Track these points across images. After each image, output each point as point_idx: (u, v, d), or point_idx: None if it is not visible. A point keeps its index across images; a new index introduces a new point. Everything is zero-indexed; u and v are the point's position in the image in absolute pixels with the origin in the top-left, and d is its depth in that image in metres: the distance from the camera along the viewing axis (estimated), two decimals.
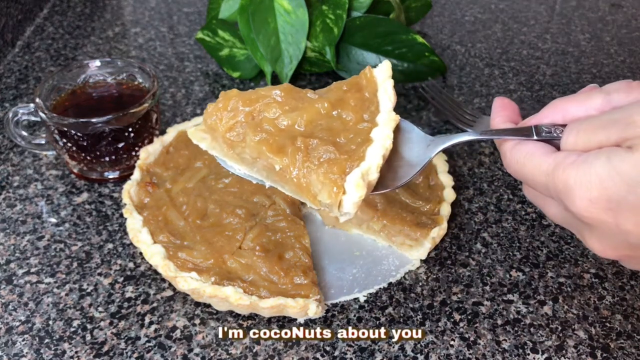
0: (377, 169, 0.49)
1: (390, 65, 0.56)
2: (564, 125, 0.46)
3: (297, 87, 0.57)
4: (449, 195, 0.70)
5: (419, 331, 0.59)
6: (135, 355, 0.57)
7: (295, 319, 0.60)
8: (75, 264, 0.67)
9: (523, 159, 0.45)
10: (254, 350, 0.58)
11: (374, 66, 0.56)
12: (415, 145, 0.53)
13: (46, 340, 0.59)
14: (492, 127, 0.51)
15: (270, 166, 0.52)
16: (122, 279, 0.65)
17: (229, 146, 0.54)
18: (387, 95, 0.54)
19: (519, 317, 0.61)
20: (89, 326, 0.60)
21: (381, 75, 0.55)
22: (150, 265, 0.66)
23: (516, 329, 0.60)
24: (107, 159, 0.76)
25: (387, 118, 0.52)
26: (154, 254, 0.61)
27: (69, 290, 0.64)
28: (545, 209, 0.49)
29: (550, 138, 0.46)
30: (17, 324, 0.60)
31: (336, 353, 0.57)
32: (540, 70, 1.03)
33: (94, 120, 0.71)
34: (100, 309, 0.62)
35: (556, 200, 0.44)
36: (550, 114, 0.47)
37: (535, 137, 0.46)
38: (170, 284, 0.64)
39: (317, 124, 0.53)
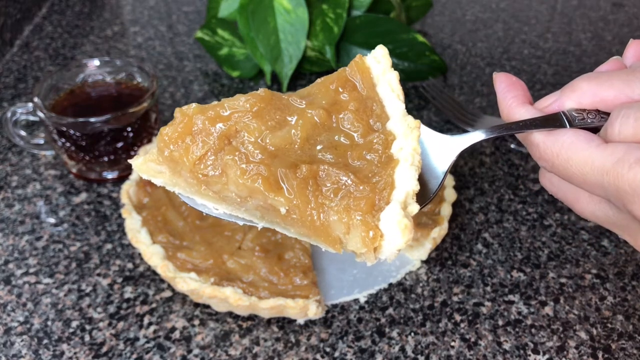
0: (414, 197, 0.39)
1: (387, 50, 0.44)
2: (596, 111, 0.40)
3: (297, 86, 0.50)
4: (450, 195, 0.70)
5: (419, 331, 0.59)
6: (135, 356, 0.57)
7: (295, 320, 0.60)
8: (74, 265, 0.67)
9: (565, 152, 0.39)
10: (254, 351, 0.57)
11: (365, 54, 0.45)
12: (429, 148, 0.44)
13: (45, 341, 0.58)
14: (506, 110, 0.43)
15: (268, 206, 0.40)
16: (121, 279, 0.65)
17: (202, 182, 0.42)
18: (394, 93, 0.43)
19: (520, 317, 0.61)
20: (87, 327, 0.60)
21: (377, 65, 0.44)
22: (150, 266, 0.66)
23: (517, 329, 0.60)
24: (105, 158, 0.75)
25: (405, 126, 0.41)
26: (153, 255, 0.61)
27: (68, 290, 0.64)
28: (578, 204, 0.43)
29: (584, 126, 0.40)
30: (16, 324, 0.60)
31: (336, 354, 0.57)
32: (542, 70, 1.03)
33: (92, 119, 0.71)
34: (99, 309, 0.62)
35: (612, 201, 0.38)
36: (574, 96, 0.41)
37: (568, 127, 0.40)
38: (169, 285, 0.64)
39: (315, 141, 0.42)
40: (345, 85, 0.44)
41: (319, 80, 0.44)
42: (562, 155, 0.39)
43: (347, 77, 0.44)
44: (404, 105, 0.42)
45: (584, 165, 0.38)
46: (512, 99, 0.43)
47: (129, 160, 0.44)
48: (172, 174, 0.43)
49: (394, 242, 0.37)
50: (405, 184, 0.38)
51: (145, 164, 0.43)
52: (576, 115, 0.40)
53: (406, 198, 0.38)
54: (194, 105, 0.42)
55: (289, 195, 0.39)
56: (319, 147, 0.42)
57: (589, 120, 0.40)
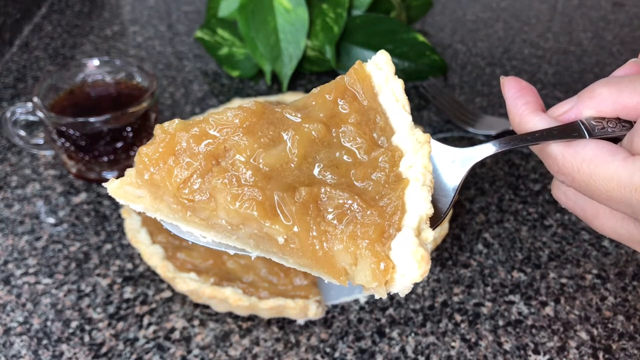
0: (427, 222, 0.35)
1: (389, 56, 0.40)
2: (617, 119, 0.37)
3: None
4: None
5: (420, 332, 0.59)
6: (134, 356, 0.57)
7: (295, 320, 0.60)
8: (73, 265, 0.66)
9: (587, 166, 0.36)
10: (254, 352, 0.57)
11: (365, 60, 0.41)
12: (437, 163, 0.40)
13: (44, 342, 0.58)
14: (517, 119, 0.40)
15: (263, 234, 0.36)
16: (120, 279, 0.65)
17: (187, 208, 0.37)
18: (399, 103, 0.39)
19: (521, 318, 0.61)
20: (87, 327, 0.60)
21: (379, 72, 0.40)
22: (149, 266, 0.66)
23: (518, 330, 0.59)
24: (105, 158, 0.75)
25: (413, 141, 0.37)
26: (153, 255, 0.61)
27: (67, 291, 0.63)
28: (597, 220, 0.40)
29: (604, 136, 0.37)
30: (15, 325, 0.60)
31: (336, 355, 0.57)
32: (542, 70, 1.03)
33: (92, 119, 0.70)
34: (98, 309, 0.61)
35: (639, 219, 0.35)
36: (592, 104, 0.37)
37: (587, 137, 0.37)
38: (169, 285, 0.64)
39: (314, 159, 0.37)
40: (344, 95, 0.40)
41: (314, 90, 0.40)
42: (584, 169, 0.36)
43: (345, 86, 0.40)
44: (410, 117, 0.38)
45: (609, 180, 0.35)
46: (523, 106, 0.40)
47: (104, 184, 0.40)
48: (154, 199, 0.38)
49: (409, 275, 0.33)
50: (418, 207, 0.34)
51: (122, 187, 0.38)
52: (595, 124, 0.37)
53: (419, 223, 0.34)
54: (176, 121, 0.37)
55: (287, 222, 0.35)
56: (318, 167, 0.37)
57: (609, 130, 0.37)
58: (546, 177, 0.79)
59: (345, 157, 0.38)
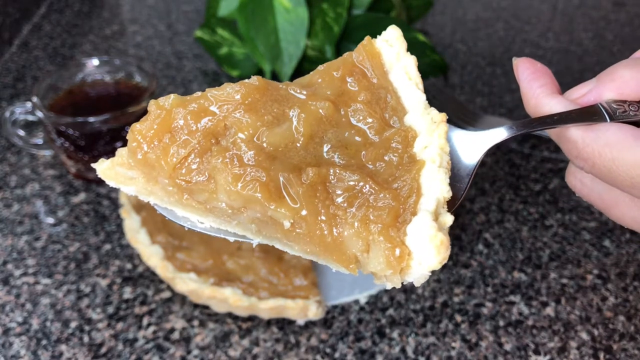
0: (445, 206, 0.32)
1: (401, 31, 0.38)
2: (639, 102, 0.36)
3: None
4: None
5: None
6: (134, 357, 0.57)
7: (295, 321, 0.60)
8: (72, 265, 0.66)
9: (610, 151, 0.34)
10: (253, 352, 0.57)
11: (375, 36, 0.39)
12: (451, 146, 0.38)
13: (43, 342, 0.58)
14: (533, 101, 0.38)
15: (267, 219, 0.33)
16: (120, 280, 0.64)
17: (184, 191, 0.34)
18: (411, 81, 0.37)
19: (521, 318, 0.60)
20: (86, 327, 0.59)
21: (389, 49, 0.38)
22: (149, 266, 0.66)
23: (518, 330, 0.59)
24: (105, 158, 0.75)
25: (428, 120, 0.35)
26: (152, 255, 0.61)
27: (67, 291, 0.63)
28: (616, 208, 0.38)
29: (626, 119, 0.35)
30: (14, 325, 0.60)
31: (336, 355, 0.57)
32: None
33: (91, 119, 0.70)
34: (98, 310, 0.61)
35: None
36: (613, 86, 0.36)
37: (608, 121, 0.35)
38: (168, 285, 0.64)
39: (321, 139, 0.35)
40: (353, 73, 0.37)
41: (320, 67, 0.38)
42: (606, 154, 0.34)
43: (354, 63, 0.38)
44: (425, 96, 0.36)
45: (633, 167, 0.33)
46: (539, 89, 0.38)
47: (93, 165, 0.36)
48: (147, 181, 0.35)
49: (427, 262, 0.30)
50: (435, 189, 0.32)
51: (113, 168, 0.35)
52: (616, 107, 0.35)
53: (437, 207, 0.32)
54: (172, 96, 0.35)
55: (294, 205, 0.32)
56: (326, 147, 0.35)
57: (631, 113, 0.35)
58: (546, 177, 0.79)
59: (355, 137, 0.35)
